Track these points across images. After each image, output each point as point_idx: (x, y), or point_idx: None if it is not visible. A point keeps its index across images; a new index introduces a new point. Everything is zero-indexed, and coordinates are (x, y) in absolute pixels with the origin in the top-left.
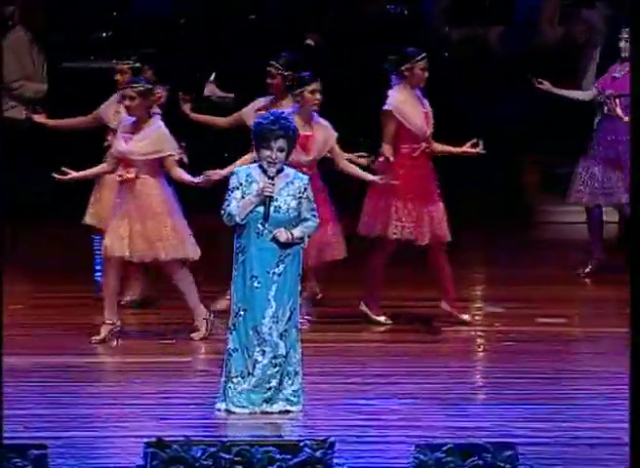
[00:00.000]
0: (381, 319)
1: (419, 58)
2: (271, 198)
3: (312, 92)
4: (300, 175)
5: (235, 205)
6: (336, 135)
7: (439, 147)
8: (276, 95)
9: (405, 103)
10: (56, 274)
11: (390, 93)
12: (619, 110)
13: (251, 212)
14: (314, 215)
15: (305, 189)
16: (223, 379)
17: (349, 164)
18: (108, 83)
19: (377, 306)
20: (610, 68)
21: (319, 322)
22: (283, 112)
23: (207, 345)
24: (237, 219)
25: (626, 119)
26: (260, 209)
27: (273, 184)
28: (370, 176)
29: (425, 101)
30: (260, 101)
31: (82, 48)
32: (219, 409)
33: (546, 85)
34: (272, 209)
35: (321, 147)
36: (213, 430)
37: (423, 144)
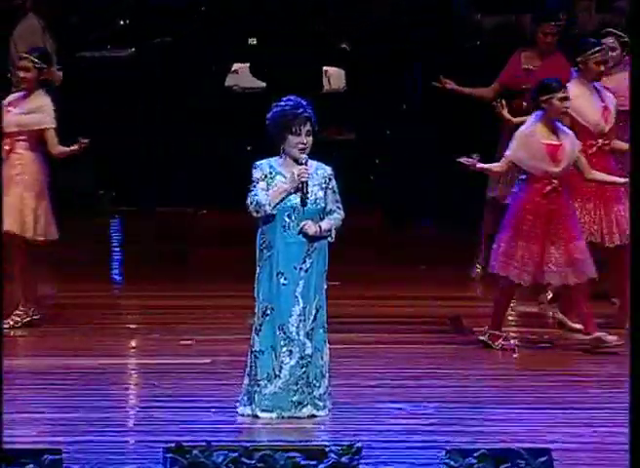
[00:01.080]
0: (578, 326)
1: (593, 50)
2: (307, 183)
3: (561, 99)
4: (324, 165)
5: (264, 194)
6: (579, 143)
7: (621, 145)
8: (29, 89)
9: (579, 98)
10: (71, 271)
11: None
12: (505, 112)
13: (280, 202)
14: (339, 207)
15: (330, 179)
16: (247, 382)
17: (597, 172)
18: (126, 73)
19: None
20: (512, 60)
21: (345, 322)
22: (297, 97)
23: (227, 346)
24: (267, 208)
25: (515, 120)
26: (289, 201)
27: (307, 169)
28: (621, 180)
29: (607, 95)
30: (11, 97)
31: (98, 37)
32: (242, 414)
33: (451, 84)
34: (292, 198)
35: (570, 157)
36: (234, 435)
37: (600, 141)
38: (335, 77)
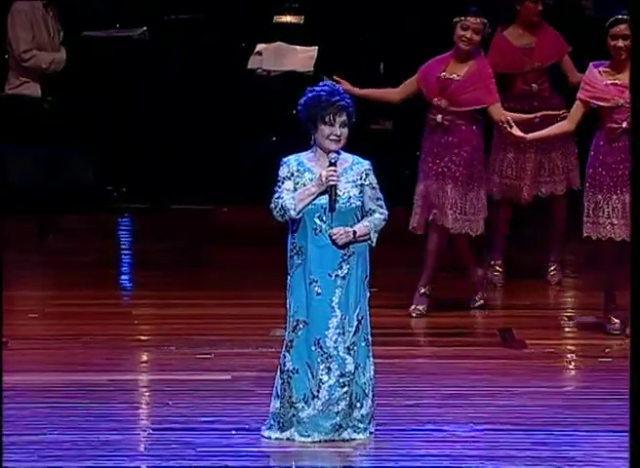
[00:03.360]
0: None
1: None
2: (336, 187)
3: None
4: (360, 159)
5: (289, 197)
6: None
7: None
8: None
9: None
10: (75, 276)
11: None
12: (516, 130)
13: (306, 205)
14: (381, 206)
15: (367, 175)
16: (278, 406)
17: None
18: (137, 54)
19: None
20: (496, 42)
21: (382, 334)
22: (331, 82)
23: (250, 361)
24: (292, 214)
25: (529, 137)
26: (319, 201)
27: (336, 170)
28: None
29: None
30: None
31: (106, 15)
32: (269, 438)
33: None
34: (322, 198)
35: None
36: (259, 460)
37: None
38: None
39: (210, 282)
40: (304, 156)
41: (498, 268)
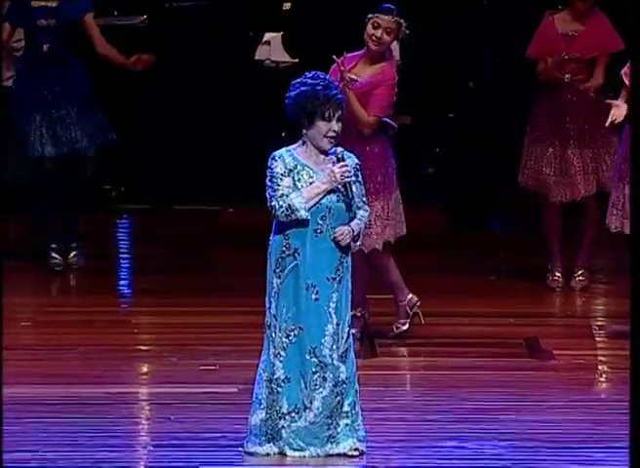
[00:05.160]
0: None
1: None
2: (350, 185)
3: None
4: (347, 152)
5: (296, 195)
6: None
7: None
8: None
9: None
10: (71, 282)
11: None
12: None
13: (314, 205)
14: (365, 202)
15: (358, 170)
16: (263, 417)
17: None
18: (137, 44)
19: None
20: (543, 27)
21: (398, 344)
22: (322, 73)
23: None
24: (302, 214)
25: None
26: (323, 200)
27: (348, 166)
28: None
29: None
30: None
31: (104, 2)
32: (267, 453)
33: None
34: (327, 197)
35: None
36: None
37: None
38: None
39: (214, 288)
40: (295, 151)
41: (557, 274)
